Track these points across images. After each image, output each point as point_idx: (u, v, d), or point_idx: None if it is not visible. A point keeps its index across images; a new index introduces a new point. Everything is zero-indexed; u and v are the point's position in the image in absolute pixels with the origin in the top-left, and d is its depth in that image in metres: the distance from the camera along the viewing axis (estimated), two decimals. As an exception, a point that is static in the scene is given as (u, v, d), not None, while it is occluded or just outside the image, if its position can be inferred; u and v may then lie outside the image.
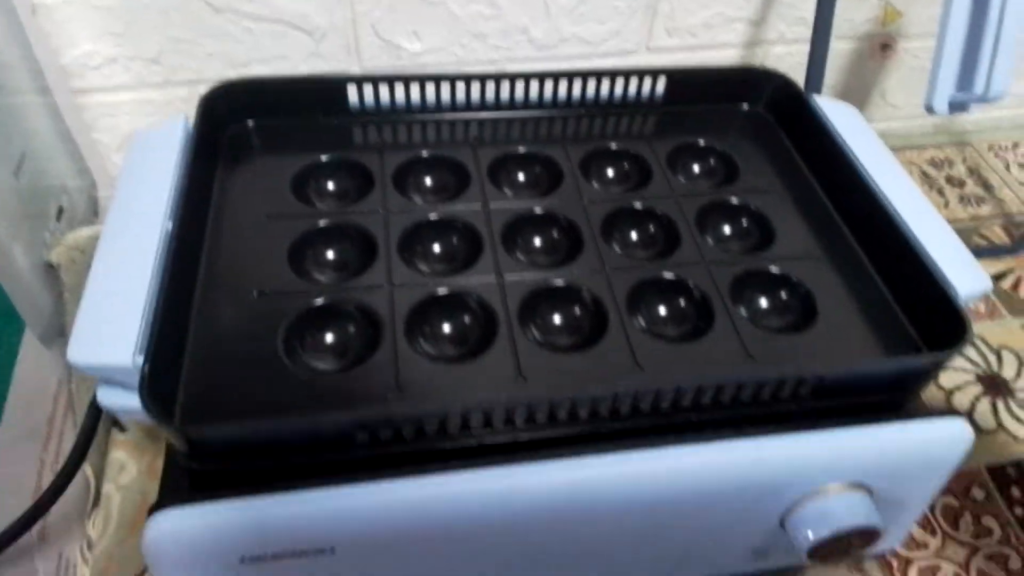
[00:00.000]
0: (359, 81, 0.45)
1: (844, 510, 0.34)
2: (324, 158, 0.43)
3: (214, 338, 0.34)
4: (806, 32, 0.56)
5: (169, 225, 0.35)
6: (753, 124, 0.50)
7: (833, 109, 0.46)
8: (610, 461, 0.32)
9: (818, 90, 0.54)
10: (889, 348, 0.37)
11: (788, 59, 0.64)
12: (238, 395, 0.32)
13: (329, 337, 0.35)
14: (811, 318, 0.38)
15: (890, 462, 0.35)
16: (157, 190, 0.36)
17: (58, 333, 0.46)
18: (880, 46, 0.65)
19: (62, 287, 0.46)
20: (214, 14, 0.51)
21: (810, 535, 0.34)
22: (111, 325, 0.30)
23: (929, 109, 0.53)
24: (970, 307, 0.58)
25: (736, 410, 0.34)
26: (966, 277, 0.36)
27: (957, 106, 0.54)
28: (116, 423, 0.46)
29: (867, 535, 0.34)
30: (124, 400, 0.31)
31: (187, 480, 0.31)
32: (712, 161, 0.47)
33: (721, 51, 0.62)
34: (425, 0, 0.53)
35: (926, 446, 0.35)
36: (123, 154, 0.57)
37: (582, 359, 0.35)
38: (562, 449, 0.32)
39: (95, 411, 0.40)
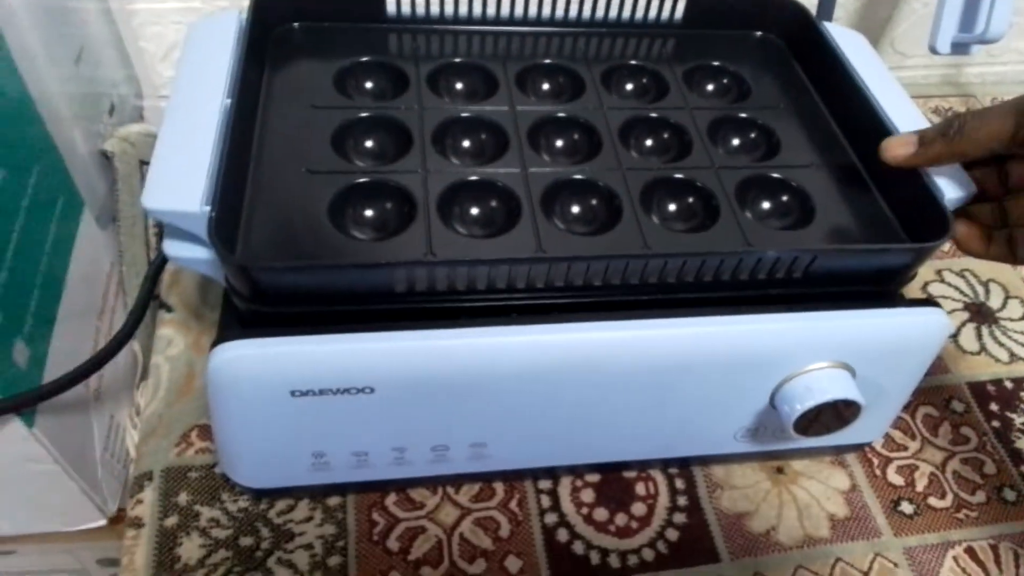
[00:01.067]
0: None
1: (828, 384, 0.38)
2: (364, 59, 0.47)
3: (267, 203, 0.37)
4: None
5: (228, 101, 0.38)
6: (766, 49, 0.53)
7: (842, 35, 0.49)
8: (617, 327, 0.36)
9: (829, 17, 0.56)
10: (879, 242, 0.40)
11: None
12: (290, 251, 0.36)
13: (369, 212, 0.39)
14: (809, 218, 0.41)
15: (872, 345, 0.38)
16: (216, 71, 0.39)
17: (111, 218, 0.50)
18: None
19: (115, 174, 0.49)
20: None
21: (797, 406, 0.38)
22: (181, 178, 0.34)
23: (933, 50, 0.56)
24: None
25: (734, 291, 0.37)
26: (952, 182, 0.39)
27: (959, 47, 0.57)
28: (163, 305, 0.50)
29: (848, 408, 0.38)
30: (187, 251, 0.35)
31: (242, 323, 0.35)
32: (725, 80, 0.50)
33: None
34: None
35: (906, 331, 0.39)
36: (167, 64, 0.60)
37: (597, 241, 0.39)
38: (574, 314, 0.36)
39: (146, 290, 0.44)
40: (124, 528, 0.41)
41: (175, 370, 0.47)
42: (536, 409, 0.38)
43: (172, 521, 0.41)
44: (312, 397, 0.34)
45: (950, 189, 0.39)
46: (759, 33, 0.54)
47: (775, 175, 0.43)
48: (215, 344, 0.33)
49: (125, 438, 0.48)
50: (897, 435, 0.49)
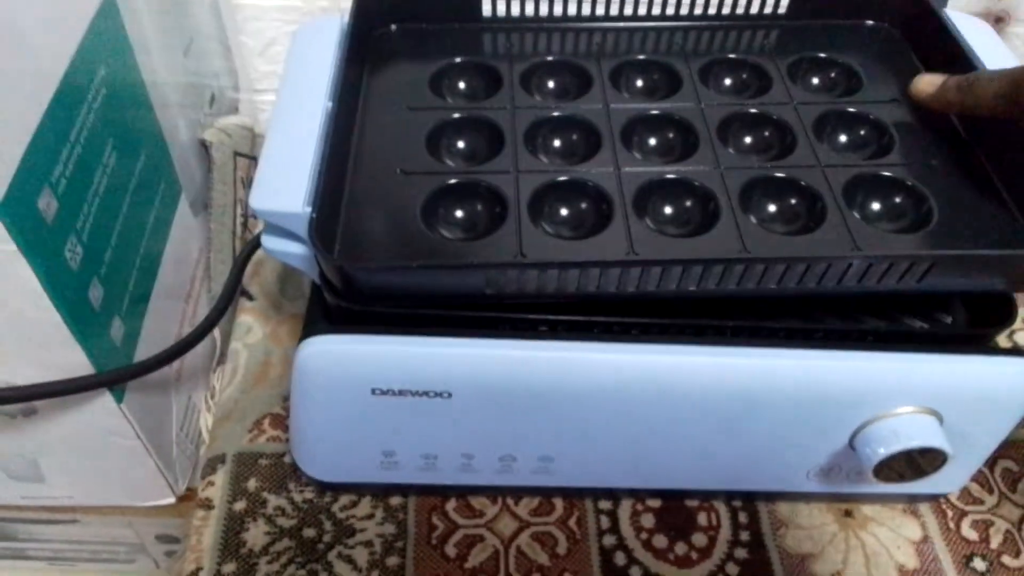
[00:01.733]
0: None
1: (915, 430, 0.36)
2: (458, 60, 0.47)
3: (364, 203, 0.38)
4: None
5: (329, 104, 0.39)
6: (880, 39, 0.50)
7: (966, 24, 0.46)
8: (696, 352, 0.35)
9: (945, 2, 0.53)
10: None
11: None
12: (384, 251, 0.36)
13: (460, 212, 0.39)
14: (926, 223, 0.38)
15: (963, 393, 0.37)
16: (319, 75, 0.41)
17: (203, 205, 0.52)
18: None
19: (211, 164, 0.51)
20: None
21: (880, 450, 0.37)
22: (285, 179, 0.35)
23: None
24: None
25: (836, 313, 0.36)
26: None
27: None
28: (244, 292, 0.52)
29: (935, 458, 0.37)
30: (285, 246, 0.36)
31: (328, 318, 0.36)
32: (834, 74, 0.48)
33: None
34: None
35: (999, 381, 0.37)
36: (264, 59, 0.62)
37: (693, 244, 0.37)
38: (654, 336, 0.35)
39: (233, 279, 0.45)
40: (194, 508, 0.42)
41: (252, 357, 0.48)
42: (606, 428, 0.37)
43: (240, 506, 0.42)
44: (391, 396, 0.35)
45: None
46: (871, 22, 0.51)
47: (886, 173, 0.40)
48: (304, 337, 0.34)
49: (199, 419, 0.49)
50: (974, 488, 0.47)
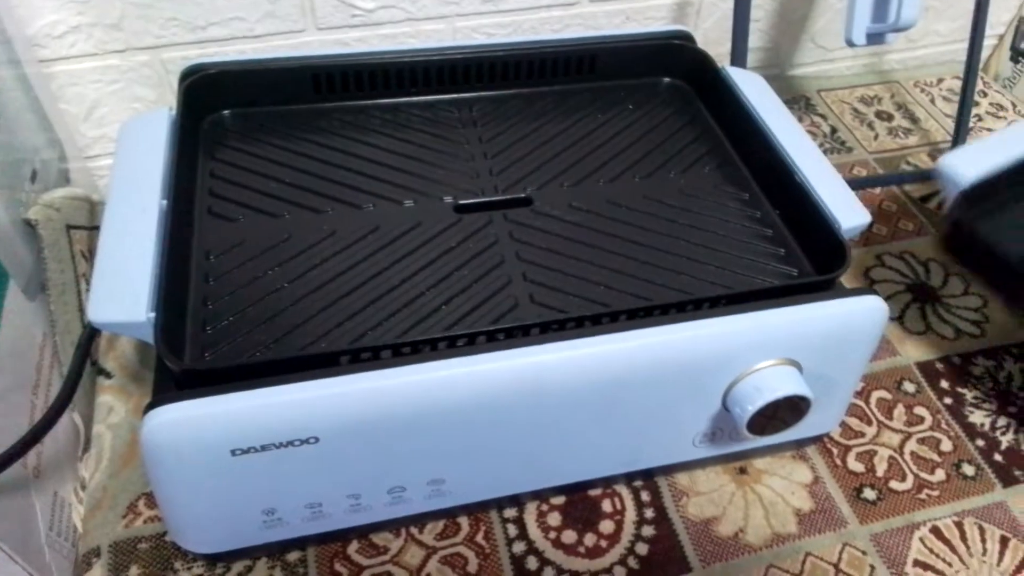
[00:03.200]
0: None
1: (776, 382, 0.38)
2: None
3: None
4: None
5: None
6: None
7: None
8: (558, 348, 0.35)
9: (743, 63, 0.58)
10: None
11: (722, 6, 0.68)
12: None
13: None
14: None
15: (814, 337, 0.39)
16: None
17: (39, 289, 0.48)
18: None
19: (41, 243, 0.48)
20: (171, -22, 0.53)
21: (748, 407, 0.38)
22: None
23: (849, 42, 0.58)
24: (891, 229, 0.62)
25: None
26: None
27: (874, 37, 0.58)
28: (101, 371, 0.49)
29: (800, 404, 0.38)
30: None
31: (176, 382, 0.34)
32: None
33: (658, 0, 0.66)
34: (374, -42, 0.56)
35: (846, 320, 0.39)
36: (90, 124, 0.59)
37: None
38: (515, 340, 0.36)
39: (79, 357, 0.42)
40: (75, 610, 0.39)
41: (118, 438, 0.45)
42: (489, 439, 0.37)
43: (125, 597, 0.39)
44: (254, 454, 0.33)
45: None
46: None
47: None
48: (147, 409, 0.32)
49: (72, 514, 0.46)
50: (853, 422, 0.50)
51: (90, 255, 0.53)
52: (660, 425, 0.40)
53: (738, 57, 0.58)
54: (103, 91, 0.57)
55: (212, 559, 0.40)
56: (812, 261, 0.43)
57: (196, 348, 0.37)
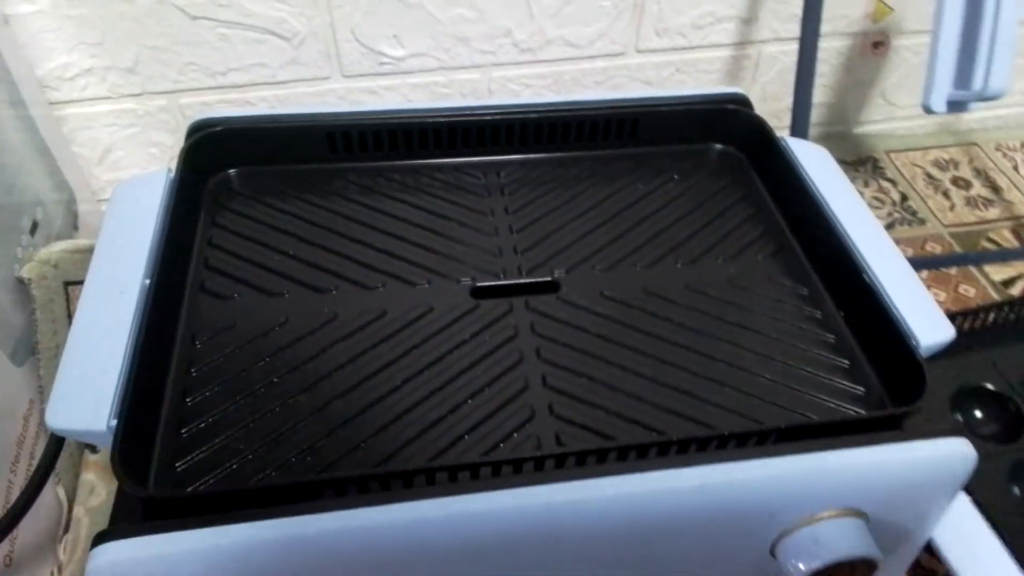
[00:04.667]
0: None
1: (837, 538, 0.32)
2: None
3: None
4: (797, 29, 0.55)
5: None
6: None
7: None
8: (599, 484, 0.30)
9: (804, 134, 0.52)
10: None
11: (783, 59, 0.62)
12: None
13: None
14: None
15: (884, 485, 0.33)
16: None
17: (29, 352, 0.45)
18: (873, 44, 0.63)
19: (33, 303, 0.45)
20: (189, 21, 0.50)
21: (801, 566, 0.32)
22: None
23: (927, 109, 0.52)
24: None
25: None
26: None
27: (956, 105, 0.52)
28: (87, 444, 0.45)
29: (863, 565, 0.33)
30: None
31: (140, 507, 0.30)
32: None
33: (712, 51, 0.60)
34: (404, 3, 0.52)
35: (923, 467, 0.33)
36: (104, 167, 0.56)
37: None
38: (546, 473, 0.31)
39: (54, 445, 0.39)
40: None
41: (96, 524, 0.42)
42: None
43: None
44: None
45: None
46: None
47: None
48: (96, 541, 0.28)
49: (44, 603, 0.42)
50: (923, 557, 0.43)
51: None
52: (700, 568, 0.35)
53: (799, 128, 0.53)
54: (118, 135, 0.55)
55: None
56: (882, 379, 0.37)
57: (168, 453, 0.32)
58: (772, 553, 0.34)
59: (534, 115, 0.47)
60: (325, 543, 0.29)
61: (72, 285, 0.48)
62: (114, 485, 0.43)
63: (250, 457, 0.33)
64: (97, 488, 0.43)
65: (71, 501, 0.44)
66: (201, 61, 0.52)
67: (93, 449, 0.45)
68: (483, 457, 0.33)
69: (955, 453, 0.33)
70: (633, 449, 0.32)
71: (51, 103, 0.52)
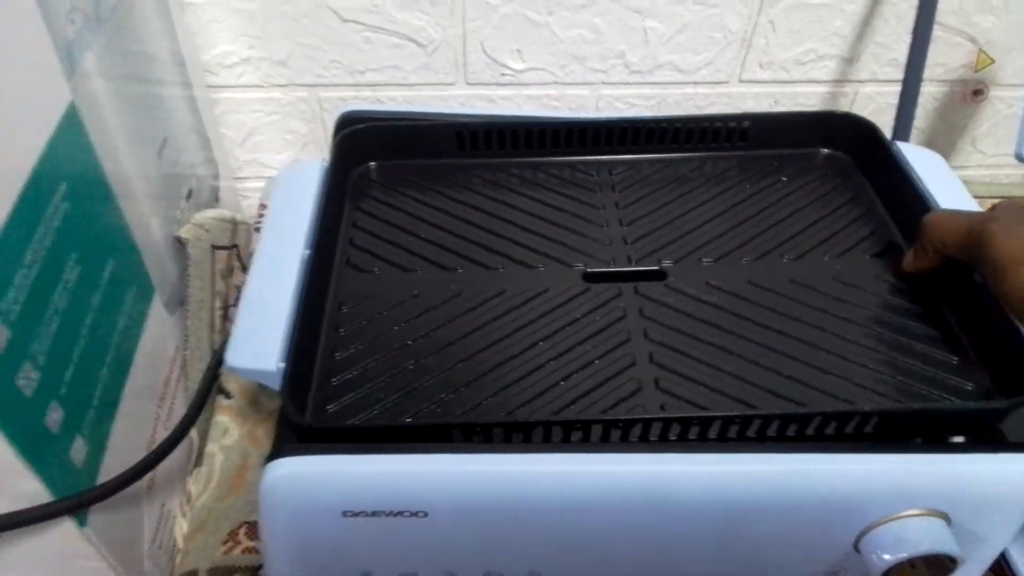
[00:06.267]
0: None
1: (922, 535, 0.34)
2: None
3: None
4: (897, 74, 0.57)
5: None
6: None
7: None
8: (688, 460, 0.34)
9: (906, 137, 0.54)
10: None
11: (878, 99, 0.65)
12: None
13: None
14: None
15: (972, 493, 0.35)
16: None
17: (179, 302, 0.51)
18: (972, 92, 0.66)
19: (187, 260, 0.50)
20: (341, 23, 0.55)
21: (886, 557, 0.34)
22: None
23: (1019, 157, 0.54)
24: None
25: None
26: None
27: (1048, 156, 0.54)
28: (222, 391, 0.50)
29: (943, 563, 0.35)
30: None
31: (298, 435, 0.34)
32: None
33: (811, 87, 0.63)
34: (531, 21, 0.57)
35: (1010, 479, 0.35)
36: (244, 149, 0.62)
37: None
38: (640, 444, 0.34)
39: (208, 380, 0.44)
40: (164, 629, 0.40)
41: (228, 461, 0.46)
42: (597, 541, 0.35)
43: (213, 627, 0.40)
44: (364, 518, 0.33)
45: None
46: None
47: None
48: (270, 458, 0.33)
49: (174, 527, 0.47)
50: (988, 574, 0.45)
51: (227, 274, 0.55)
52: (781, 556, 0.37)
53: (902, 132, 0.55)
54: (261, 121, 0.60)
55: (300, 606, 0.40)
56: (992, 374, 0.38)
57: (320, 398, 0.37)
58: (856, 547, 0.37)
59: (647, 118, 0.50)
60: (452, 480, 0.33)
61: (217, 249, 0.53)
62: (246, 428, 0.48)
63: (388, 405, 0.37)
64: (230, 430, 0.48)
65: (202, 441, 0.49)
66: (344, 60, 0.57)
67: (227, 395, 0.50)
68: (599, 415, 0.36)
69: (1044, 469, 0.35)
70: (736, 421, 0.34)
71: (209, 86, 0.58)
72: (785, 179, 0.49)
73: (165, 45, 0.52)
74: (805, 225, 0.46)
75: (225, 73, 0.57)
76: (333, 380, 0.38)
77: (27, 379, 0.32)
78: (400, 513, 0.33)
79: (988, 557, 0.40)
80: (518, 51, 0.59)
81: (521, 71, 0.60)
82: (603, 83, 0.61)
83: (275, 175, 0.46)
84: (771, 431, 0.35)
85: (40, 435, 0.33)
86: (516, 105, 0.61)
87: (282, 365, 0.35)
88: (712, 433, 0.35)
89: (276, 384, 0.35)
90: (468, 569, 0.36)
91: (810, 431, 0.35)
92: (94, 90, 0.40)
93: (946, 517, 0.35)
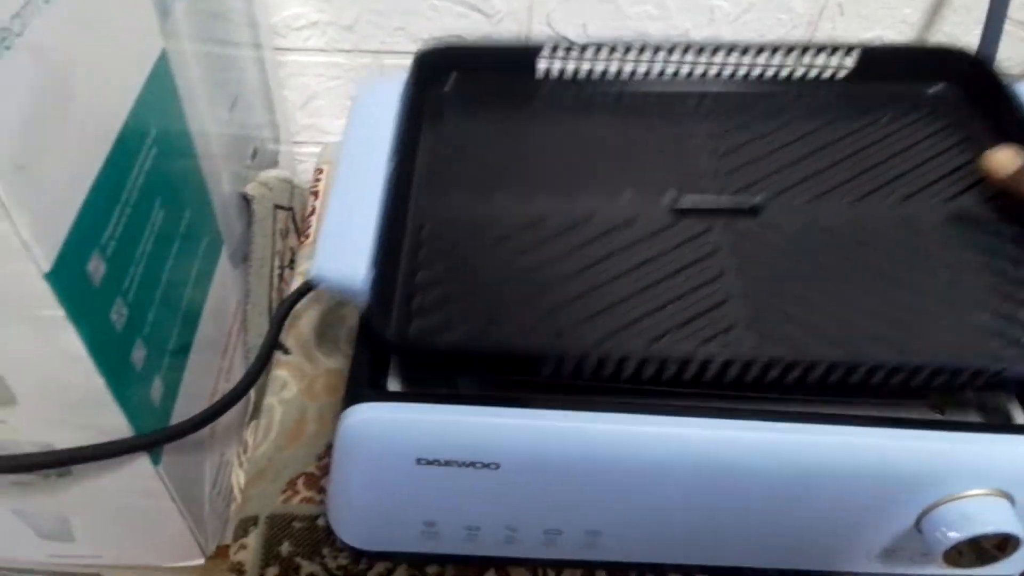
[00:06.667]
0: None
1: (986, 514, 0.34)
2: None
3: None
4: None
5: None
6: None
7: None
8: (758, 427, 0.34)
9: (991, 58, 0.51)
10: None
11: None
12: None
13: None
14: None
15: (1039, 474, 0.35)
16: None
17: (242, 258, 0.52)
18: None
19: (252, 217, 0.51)
20: (410, -9, 0.56)
21: (951, 535, 0.35)
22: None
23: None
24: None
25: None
26: None
27: None
28: (279, 346, 0.51)
29: (1009, 543, 0.35)
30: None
31: (372, 382, 0.35)
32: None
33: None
34: (600, -5, 0.57)
35: (1079, 463, 0.35)
36: (304, 112, 0.63)
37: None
38: (711, 409, 0.34)
39: (269, 343, 0.45)
40: (224, 572, 0.41)
41: (287, 414, 0.47)
42: (659, 504, 0.36)
43: (273, 572, 0.41)
44: (437, 467, 0.33)
45: None
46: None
47: None
48: (347, 404, 0.33)
49: (231, 476, 0.48)
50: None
51: (286, 235, 0.56)
52: (840, 530, 0.37)
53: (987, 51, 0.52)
54: (323, 85, 0.61)
55: (359, 554, 0.41)
56: None
57: (402, 318, 0.36)
58: (917, 527, 0.37)
59: (747, 46, 0.47)
60: (528, 432, 0.33)
61: (278, 209, 0.54)
62: (304, 383, 0.49)
63: (471, 330, 0.36)
64: (289, 384, 0.49)
65: (259, 395, 0.50)
66: (410, 27, 0.58)
67: (285, 351, 0.51)
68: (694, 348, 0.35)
69: (1114, 456, 0.35)
70: (840, 369, 0.33)
71: (276, 49, 0.58)
72: (892, 115, 0.46)
73: (239, 5, 0.53)
74: (913, 165, 0.43)
75: (293, 36, 0.58)
76: (413, 303, 0.37)
77: (118, 314, 0.33)
78: (473, 464, 0.33)
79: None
80: (583, 25, 0.58)
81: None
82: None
83: (355, 91, 0.44)
84: (877, 379, 0.33)
85: (127, 371, 0.34)
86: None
87: (369, 276, 0.34)
88: (812, 378, 0.33)
89: (361, 298, 0.34)
90: (530, 524, 0.37)
91: (918, 382, 0.33)
92: (182, 42, 0.40)
93: (1010, 498, 0.35)
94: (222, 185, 0.48)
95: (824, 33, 0.60)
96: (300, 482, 0.44)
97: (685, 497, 0.35)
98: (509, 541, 0.38)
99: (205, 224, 0.45)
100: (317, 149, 0.66)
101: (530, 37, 0.59)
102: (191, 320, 0.43)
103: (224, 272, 0.48)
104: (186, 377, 0.42)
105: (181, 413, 0.40)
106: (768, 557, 0.40)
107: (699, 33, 0.59)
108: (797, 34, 0.60)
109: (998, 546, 0.35)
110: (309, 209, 0.60)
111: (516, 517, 0.36)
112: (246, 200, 0.51)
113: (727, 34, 0.60)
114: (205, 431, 0.45)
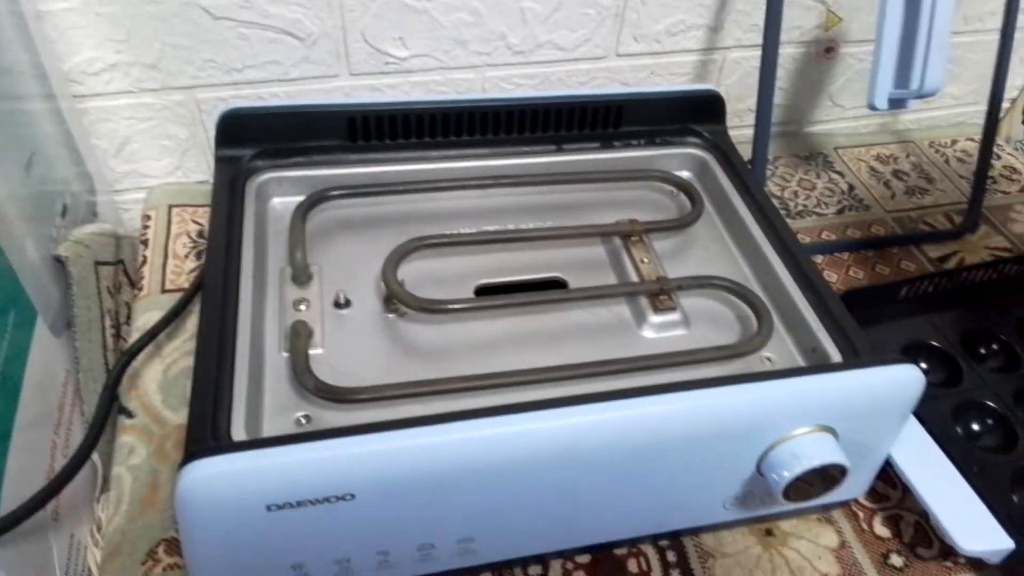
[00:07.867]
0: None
1: (814, 449, 0.38)
2: None
3: None
4: (759, 39, 0.61)
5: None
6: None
7: None
8: (595, 410, 0.35)
9: (770, 96, 0.59)
10: None
11: (744, 63, 0.69)
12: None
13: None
14: None
15: (851, 405, 0.39)
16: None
17: (65, 324, 0.48)
18: (825, 50, 0.71)
19: (69, 280, 0.47)
20: (212, 21, 0.54)
21: (785, 474, 0.38)
22: None
23: (871, 107, 0.59)
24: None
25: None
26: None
27: (896, 102, 0.59)
28: (123, 410, 0.48)
29: (836, 472, 0.38)
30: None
31: (214, 434, 0.34)
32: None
33: (683, 56, 0.67)
34: (410, 8, 0.57)
35: (882, 389, 0.39)
36: (119, 159, 0.59)
37: None
38: (551, 402, 0.36)
39: (106, 402, 0.42)
40: (89, 661, 0.38)
41: (138, 480, 0.45)
42: (521, 499, 0.37)
43: (142, 649, 0.38)
44: (289, 510, 0.33)
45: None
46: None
47: None
48: (184, 462, 0.32)
49: (87, 557, 0.45)
50: (879, 486, 0.49)
51: (116, 291, 0.53)
52: (692, 488, 0.40)
53: (765, 92, 0.59)
54: (136, 128, 0.58)
55: (233, 612, 0.39)
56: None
57: None
58: (759, 470, 0.40)
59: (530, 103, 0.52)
60: (376, 458, 0.33)
61: (101, 265, 0.51)
62: (152, 445, 0.46)
63: None
64: (136, 448, 0.46)
65: (106, 466, 0.47)
66: (220, 58, 0.56)
67: (129, 415, 0.48)
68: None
69: (908, 377, 0.39)
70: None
71: (75, 96, 0.55)
72: None
73: (23, 57, 0.49)
74: None
75: (92, 81, 0.54)
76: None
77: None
78: (326, 499, 0.33)
79: (875, 464, 0.44)
80: (400, 39, 0.59)
81: (405, 58, 0.60)
82: (487, 65, 0.62)
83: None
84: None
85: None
86: (403, 92, 0.62)
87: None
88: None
89: None
90: (400, 545, 0.37)
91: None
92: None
93: (834, 431, 0.39)
94: (26, 252, 0.44)
95: (631, 24, 0.63)
96: (161, 550, 0.42)
97: (541, 487, 0.37)
98: (384, 565, 0.38)
99: (10, 297, 0.41)
100: (142, 195, 0.62)
101: (349, 57, 0.58)
102: (8, 401, 0.39)
103: (44, 343, 0.45)
104: (11, 462, 0.38)
105: (11, 501, 0.37)
106: (636, 526, 0.42)
107: (515, 35, 0.61)
108: (606, 28, 0.63)
109: (828, 477, 0.39)
110: (140, 259, 0.57)
111: (385, 541, 0.36)
112: (60, 262, 0.48)
113: (541, 33, 0.62)
114: (46, 514, 0.41)
